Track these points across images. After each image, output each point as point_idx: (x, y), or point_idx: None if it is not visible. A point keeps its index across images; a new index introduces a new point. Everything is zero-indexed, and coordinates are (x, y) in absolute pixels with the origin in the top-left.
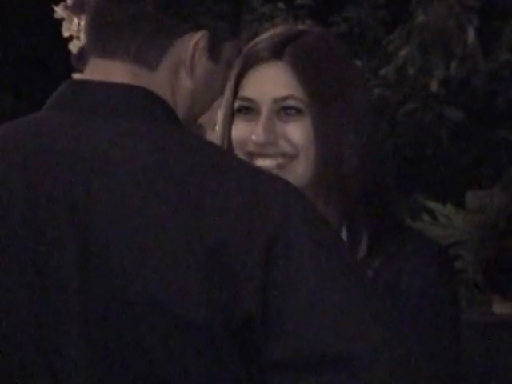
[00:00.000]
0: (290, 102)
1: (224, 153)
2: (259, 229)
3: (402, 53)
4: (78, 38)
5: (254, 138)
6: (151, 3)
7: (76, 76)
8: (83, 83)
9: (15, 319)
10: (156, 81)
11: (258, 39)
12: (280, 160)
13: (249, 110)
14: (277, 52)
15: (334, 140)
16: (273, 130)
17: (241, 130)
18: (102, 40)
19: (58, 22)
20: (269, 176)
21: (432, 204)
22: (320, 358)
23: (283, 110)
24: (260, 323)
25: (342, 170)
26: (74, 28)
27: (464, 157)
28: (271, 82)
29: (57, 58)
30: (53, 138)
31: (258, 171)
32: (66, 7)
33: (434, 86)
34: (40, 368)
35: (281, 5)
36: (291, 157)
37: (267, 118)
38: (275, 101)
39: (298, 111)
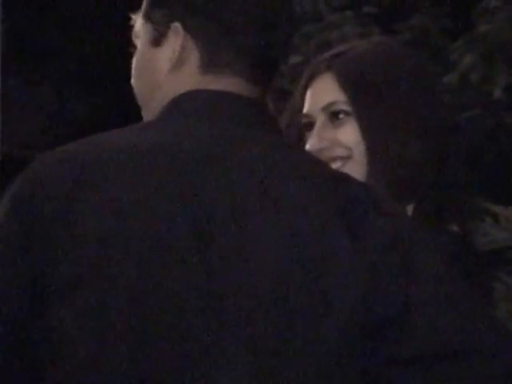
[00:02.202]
0: (335, 107)
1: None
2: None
3: (465, 60)
4: None
5: (308, 147)
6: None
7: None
8: (220, 94)
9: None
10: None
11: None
12: (338, 163)
13: (309, 125)
14: (327, 65)
15: (380, 139)
16: (325, 137)
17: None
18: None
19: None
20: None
21: (494, 207)
22: (448, 352)
23: (332, 116)
24: (392, 322)
25: (394, 169)
26: None
27: None
28: (319, 93)
29: (129, 63)
30: (199, 147)
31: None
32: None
33: (496, 93)
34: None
35: (349, 13)
36: (346, 159)
37: (319, 126)
38: (323, 109)
39: (346, 114)
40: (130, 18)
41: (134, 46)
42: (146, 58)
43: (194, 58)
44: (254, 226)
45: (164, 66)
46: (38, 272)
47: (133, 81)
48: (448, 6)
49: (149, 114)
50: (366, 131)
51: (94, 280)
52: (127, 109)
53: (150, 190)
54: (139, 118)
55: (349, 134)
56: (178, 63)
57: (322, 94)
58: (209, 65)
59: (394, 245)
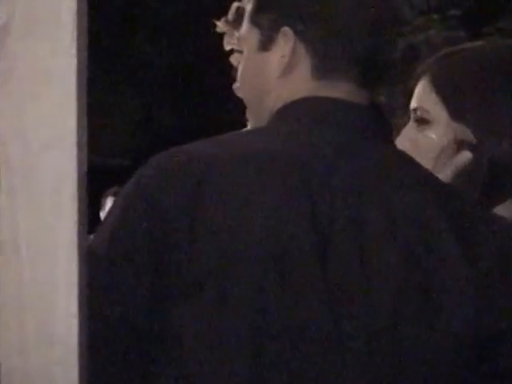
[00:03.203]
0: (418, 113)
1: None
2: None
3: None
4: (238, 51)
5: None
6: None
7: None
8: (333, 101)
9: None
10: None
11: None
12: None
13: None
14: (427, 68)
15: (473, 142)
16: (408, 139)
17: None
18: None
19: (219, 36)
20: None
21: None
22: None
23: (419, 119)
24: (504, 335)
25: (488, 169)
26: (235, 42)
27: None
28: (415, 95)
29: (214, 72)
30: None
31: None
32: (227, 22)
33: None
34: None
35: (435, 16)
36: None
37: (407, 127)
38: (413, 111)
39: (425, 121)
40: (215, 26)
41: (223, 54)
42: (253, 63)
43: (304, 63)
44: (371, 237)
45: (273, 71)
46: (160, 271)
47: (239, 85)
48: None
49: (257, 118)
50: (458, 132)
51: (215, 281)
52: (214, 117)
53: (268, 193)
54: (225, 127)
55: (429, 139)
56: (288, 68)
57: (416, 96)
58: (320, 70)
59: (504, 256)
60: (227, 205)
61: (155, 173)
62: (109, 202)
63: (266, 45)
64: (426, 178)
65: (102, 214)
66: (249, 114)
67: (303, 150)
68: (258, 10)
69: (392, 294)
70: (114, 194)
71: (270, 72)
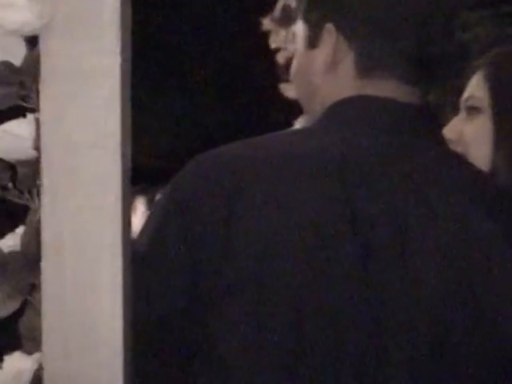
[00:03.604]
0: (470, 102)
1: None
2: None
3: None
4: (284, 49)
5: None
6: None
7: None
8: (381, 100)
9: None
10: None
11: None
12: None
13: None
14: (483, 61)
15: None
16: (456, 129)
17: None
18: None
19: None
20: None
21: None
22: None
23: (468, 110)
24: None
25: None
26: (281, 40)
27: None
28: (468, 86)
29: (260, 71)
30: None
31: None
32: (273, 20)
33: None
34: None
35: (485, 13)
36: (468, 152)
37: (457, 117)
38: (463, 101)
39: (476, 109)
40: (261, 24)
41: (270, 53)
42: (302, 59)
43: (348, 60)
44: (415, 240)
45: (319, 68)
46: (198, 272)
47: (292, 82)
48: None
49: (311, 115)
50: (495, 129)
51: (253, 283)
52: (262, 119)
53: (307, 195)
54: (271, 128)
55: (473, 129)
56: (333, 66)
57: (469, 87)
58: (365, 68)
59: None
60: (265, 207)
61: (193, 175)
62: (137, 201)
63: (313, 42)
64: (476, 180)
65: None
66: (304, 110)
67: (348, 151)
68: (308, 6)
69: (435, 299)
70: (142, 192)
71: (317, 69)
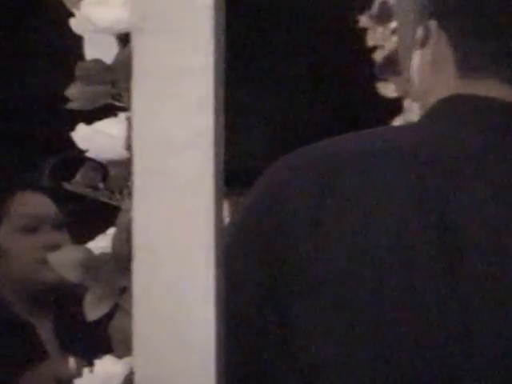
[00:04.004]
0: None
1: None
2: None
3: None
4: (382, 47)
5: None
6: None
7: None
8: (484, 100)
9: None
10: None
11: None
12: None
13: None
14: None
15: None
16: None
17: None
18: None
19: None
20: None
21: None
22: None
23: None
24: None
25: None
26: (379, 37)
27: None
28: None
29: (357, 69)
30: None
31: None
32: (371, 17)
33: None
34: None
35: None
36: None
37: None
38: None
39: None
40: (358, 21)
41: (366, 51)
42: (411, 58)
43: (449, 58)
44: (504, 247)
45: (424, 66)
46: (282, 267)
47: (412, 78)
48: None
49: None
50: None
51: (337, 282)
52: (357, 118)
53: (397, 196)
54: (370, 127)
55: None
56: (435, 64)
57: None
58: (466, 67)
59: None
60: (354, 205)
61: (283, 170)
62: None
63: (419, 39)
64: None
65: None
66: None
67: (444, 152)
68: (416, 4)
69: None
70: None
71: (423, 67)
